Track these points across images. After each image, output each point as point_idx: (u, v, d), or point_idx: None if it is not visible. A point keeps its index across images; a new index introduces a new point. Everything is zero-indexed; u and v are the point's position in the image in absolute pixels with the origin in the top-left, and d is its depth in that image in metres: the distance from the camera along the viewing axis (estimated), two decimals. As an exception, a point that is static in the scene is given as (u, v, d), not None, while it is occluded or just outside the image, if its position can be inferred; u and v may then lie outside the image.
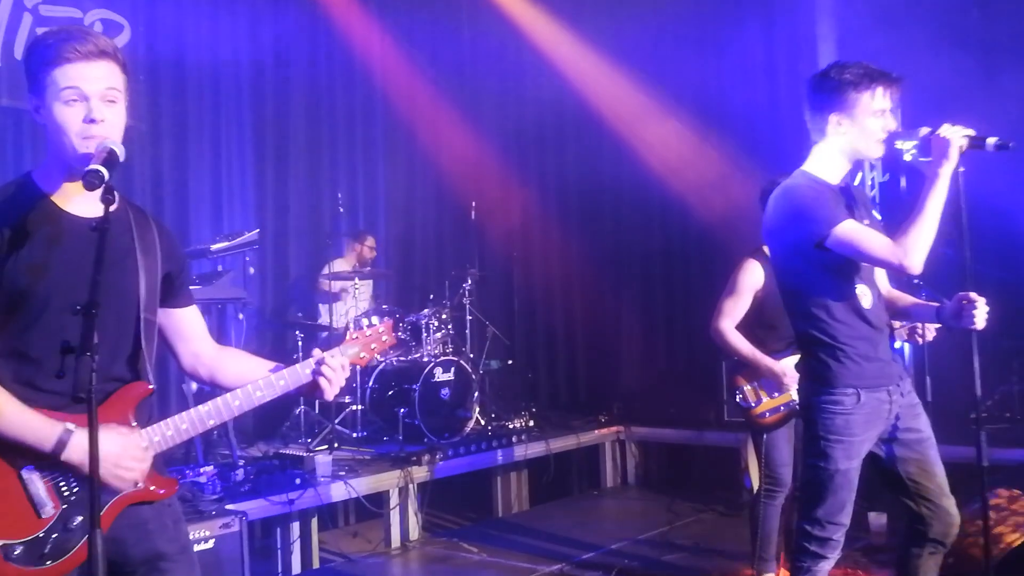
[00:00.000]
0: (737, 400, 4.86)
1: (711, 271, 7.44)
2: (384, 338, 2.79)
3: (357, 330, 2.78)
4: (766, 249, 4.90)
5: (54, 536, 2.29)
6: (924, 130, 3.25)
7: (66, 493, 2.31)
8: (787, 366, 4.75)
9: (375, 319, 2.83)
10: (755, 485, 6.95)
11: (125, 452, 2.33)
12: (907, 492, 3.49)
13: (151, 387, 2.48)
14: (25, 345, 2.32)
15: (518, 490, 7.54)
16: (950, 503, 3.48)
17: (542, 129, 9.84)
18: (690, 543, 6.19)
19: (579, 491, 8.17)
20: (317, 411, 7.21)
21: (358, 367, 2.83)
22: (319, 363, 2.59)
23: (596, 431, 8.16)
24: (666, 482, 8.06)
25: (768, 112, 7.91)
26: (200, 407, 2.50)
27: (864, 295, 3.42)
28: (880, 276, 3.58)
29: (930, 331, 3.87)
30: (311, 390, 2.62)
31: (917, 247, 3.16)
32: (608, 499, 7.99)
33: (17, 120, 6.85)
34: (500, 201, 9.40)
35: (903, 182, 7.56)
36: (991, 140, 3.20)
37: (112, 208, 2.16)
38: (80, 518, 2.30)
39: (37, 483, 2.28)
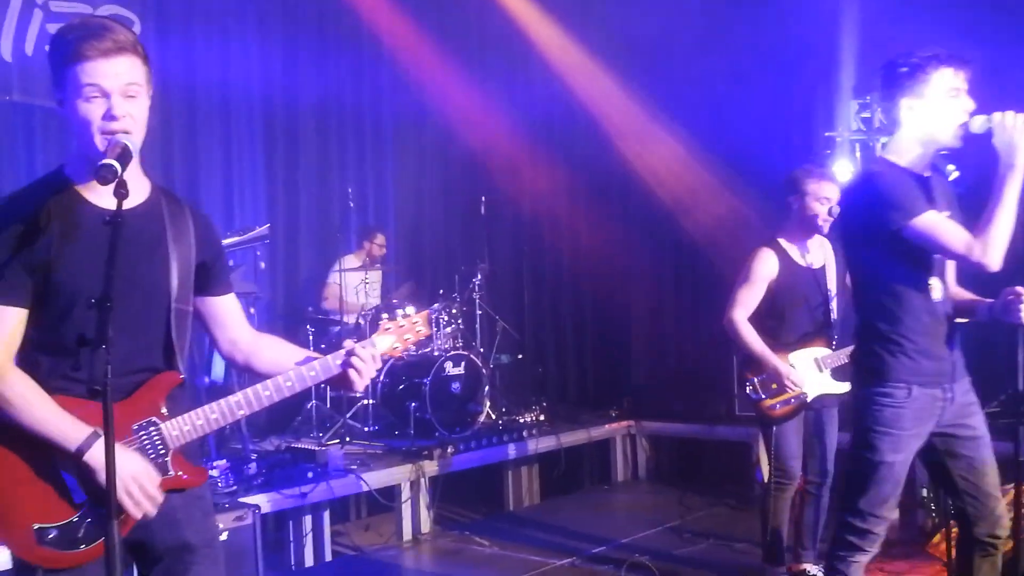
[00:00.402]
0: (747, 391, 4.85)
1: (721, 264, 7.43)
2: (419, 328, 2.75)
3: (391, 320, 2.74)
4: (781, 240, 4.91)
5: (88, 521, 2.33)
6: (996, 116, 3.19)
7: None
8: (792, 367, 4.74)
9: (410, 309, 2.81)
10: (766, 478, 6.99)
11: (138, 479, 2.32)
12: (955, 489, 3.47)
13: (182, 376, 2.49)
14: (58, 337, 2.34)
15: (529, 484, 7.54)
16: (997, 503, 3.45)
17: (552, 122, 9.83)
18: (702, 537, 6.18)
19: (590, 485, 8.18)
20: (329, 405, 7.23)
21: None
22: (349, 354, 2.57)
23: (607, 425, 8.16)
24: (677, 476, 8.06)
25: (778, 109, 7.88)
26: (231, 397, 2.51)
27: (935, 288, 3.39)
28: (949, 269, 3.54)
29: None
30: (341, 381, 2.60)
31: (996, 243, 3.13)
32: (619, 493, 7.99)
33: (28, 116, 6.86)
34: (510, 195, 9.40)
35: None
36: None
37: (139, 200, 2.21)
38: None
39: (72, 470, 2.32)
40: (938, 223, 3.23)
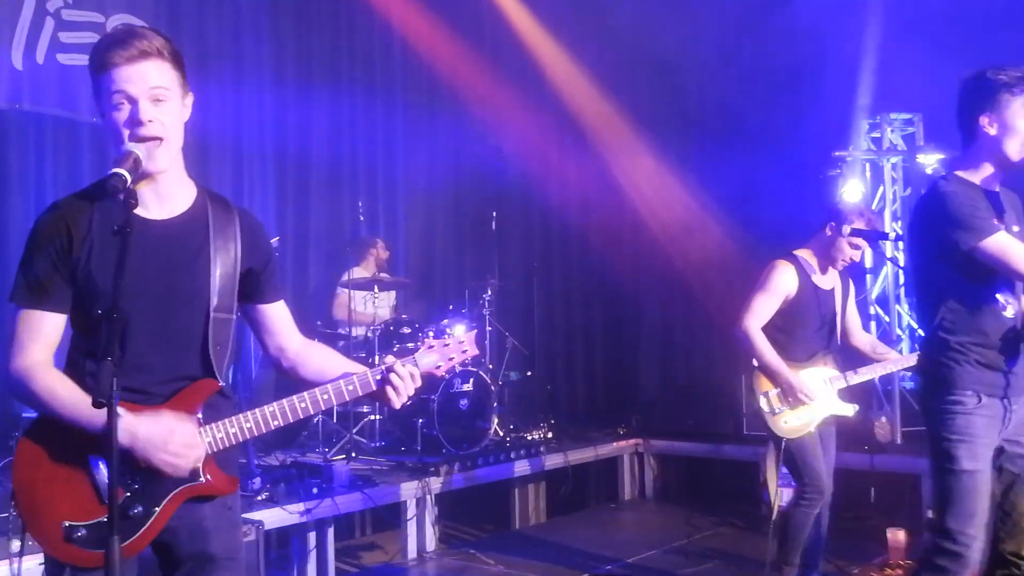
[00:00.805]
0: (761, 404, 4.80)
1: (731, 283, 7.39)
2: (465, 349, 2.69)
3: (437, 338, 2.69)
4: (801, 253, 4.88)
5: None
6: None
7: (129, 482, 2.36)
8: (807, 381, 4.70)
9: (460, 328, 2.76)
10: (773, 499, 6.94)
11: (173, 436, 2.33)
12: (992, 503, 3.44)
13: (220, 384, 2.49)
14: (94, 346, 2.35)
15: (536, 502, 7.49)
16: None
17: (563, 137, 9.83)
18: (709, 557, 6.13)
19: (597, 503, 8.12)
20: (335, 420, 7.19)
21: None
22: (388, 370, 2.54)
23: (614, 443, 8.11)
24: (684, 495, 8.01)
25: (788, 128, 7.87)
26: (266, 407, 2.50)
27: (1008, 305, 3.39)
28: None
29: None
30: (379, 397, 2.58)
31: None
32: (626, 512, 7.93)
33: (40, 125, 6.87)
34: (520, 211, 9.38)
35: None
36: None
37: (183, 208, 2.27)
38: (140, 508, 2.36)
39: (103, 470, 2.34)
40: (1008, 245, 3.24)
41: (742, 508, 7.18)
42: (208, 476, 2.44)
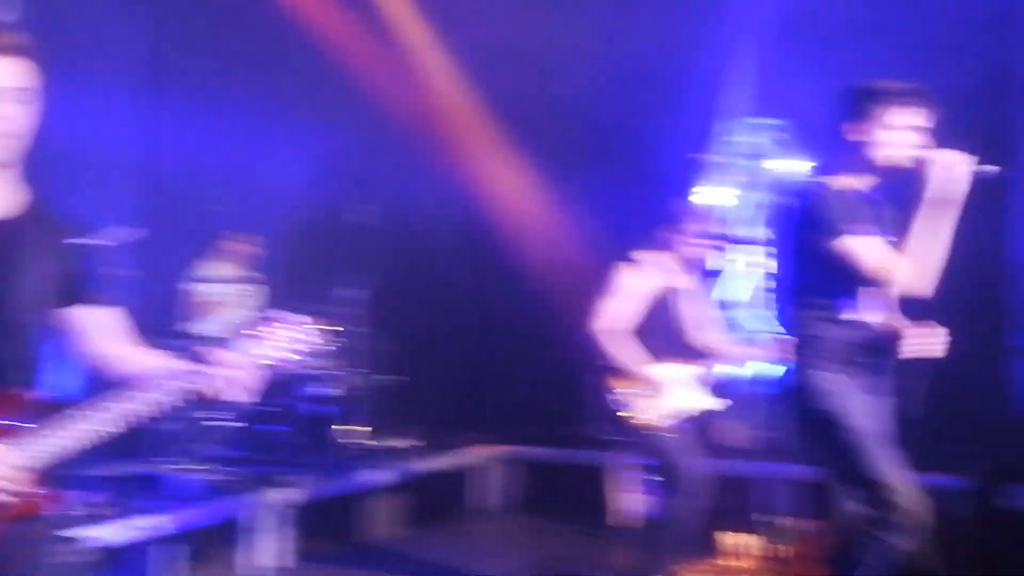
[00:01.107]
0: (616, 406, 4.78)
1: (588, 285, 7.38)
2: (297, 338, 2.48)
3: (262, 325, 2.49)
4: (654, 254, 4.89)
5: None
6: (938, 153, 3.36)
7: None
8: (664, 379, 4.71)
9: (291, 316, 2.54)
10: (632, 506, 6.96)
11: None
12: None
13: (30, 393, 2.36)
14: None
15: (393, 513, 7.31)
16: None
17: (431, 134, 9.66)
18: (570, 565, 6.08)
19: (456, 513, 7.99)
20: (184, 426, 6.86)
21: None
22: (209, 362, 2.38)
23: (473, 451, 8.02)
24: (543, 503, 7.93)
25: (652, 123, 7.91)
26: (82, 414, 2.32)
27: (866, 302, 3.53)
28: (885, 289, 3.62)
29: None
30: (208, 389, 2.41)
31: (926, 272, 3.36)
32: (485, 521, 7.83)
33: None
34: (398, 212, 9.22)
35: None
36: (991, 168, 3.33)
37: (10, 213, 2.25)
38: None
39: None
40: (869, 247, 3.39)
41: (601, 515, 7.17)
42: (26, 497, 2.29)
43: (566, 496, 7.85)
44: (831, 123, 3.61)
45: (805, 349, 3.55)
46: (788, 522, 6.07)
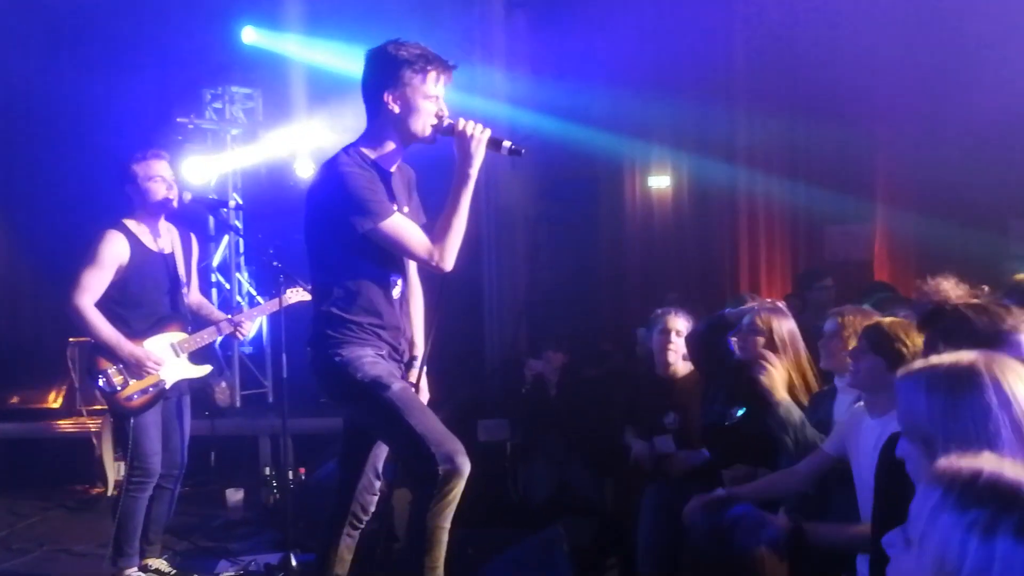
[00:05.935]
0: (100, 384, 4.49)
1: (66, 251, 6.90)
2: None
3: None
4: (129, 223, 4.61)
5: None
6: (461, 123, 3.29)
7: None
8: (151, 350, 4.52)
9: None
10: (110, 476, 6.64)
11: None
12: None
13: None
14: None
15: None
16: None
17: None
18: (34, 545, 5.60)
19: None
20: None
21: None
22: None
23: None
24: (7, 481, 7.19)
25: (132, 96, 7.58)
26: None
27: (396, 284, 3.47)
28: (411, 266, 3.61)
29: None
30: None
31: (452, 247, 3.31)
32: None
33: None
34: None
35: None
36: (506, 143, 3.34)
37: None
38: None
39: None
40: (401, 228, 3.31)
41: (75, 490, 6.73)
42: None
43: (32, 472, 7.21)
44: (365, 90, 3.37)
45: (334, 324, 3.38)
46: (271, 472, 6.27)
